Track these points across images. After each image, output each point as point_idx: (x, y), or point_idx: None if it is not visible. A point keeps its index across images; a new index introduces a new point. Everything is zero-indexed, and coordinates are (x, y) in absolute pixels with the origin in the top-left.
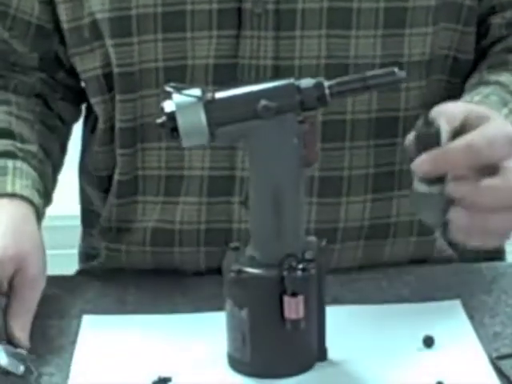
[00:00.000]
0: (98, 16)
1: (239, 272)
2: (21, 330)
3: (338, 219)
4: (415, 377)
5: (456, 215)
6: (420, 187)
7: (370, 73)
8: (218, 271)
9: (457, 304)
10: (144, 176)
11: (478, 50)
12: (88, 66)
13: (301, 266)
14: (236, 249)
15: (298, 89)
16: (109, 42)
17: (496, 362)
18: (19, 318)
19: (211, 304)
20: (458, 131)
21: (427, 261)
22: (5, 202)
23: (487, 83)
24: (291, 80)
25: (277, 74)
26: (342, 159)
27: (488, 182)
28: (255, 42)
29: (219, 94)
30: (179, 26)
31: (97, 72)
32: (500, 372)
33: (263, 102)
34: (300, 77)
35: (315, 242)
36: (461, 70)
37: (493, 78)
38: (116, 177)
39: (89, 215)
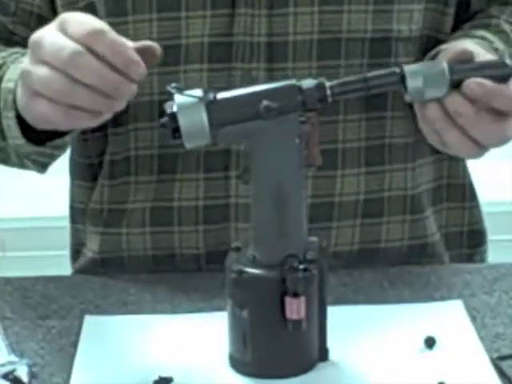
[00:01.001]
0: None
1: (240, 272)
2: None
3: (334, 193)
4: (417, 377)
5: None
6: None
7: (371, 73)
8: (217, 256)
9: (458, 304)
10: (136, 156)
11: (459, 23)
12: None
13: (302, 267)
14: (237, 249)
15: (300, 89)
16: (104, 21)
17: (497, 363)
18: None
19: (212, 304)
20: None
21: (423, 249)
22: None
23: (472, 36)
24: (293, 81)
25: (270, 50)
26: (337, 132)
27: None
28: (249, 20)
29: (221, 95)
30: (174, 5)
31: None
32: (501, 372)
33: (265, 103)
34: (293, 52)
35: (316, 243)
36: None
37: (478, 33)
38: (108, 157)
39: (76, 211)
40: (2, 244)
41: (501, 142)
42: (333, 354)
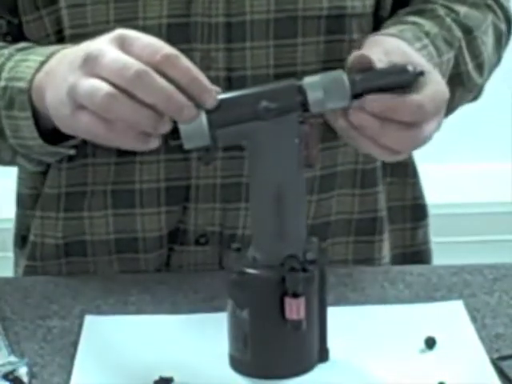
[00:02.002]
0: None
1: (241, 273)
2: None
3: None
4: (417, 378)
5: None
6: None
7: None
8: (177, 236)
9: (459, 305)
10: None
11: (396, 5)
12: (40, 33)
13: (302, 267)
14: (238, 250)
15: (299, 90)
16: (62, 3)
17: (497, 363)
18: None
19: (212, 305)
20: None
21: (372, 224)
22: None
23: (404, 23)
24: (292, 81)
25: (229, 30)
26: None
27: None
28: (206, 0)
29: (220, 96)
30: None
31: (50, 39)
32: (501, 373)
33: (264, 103)
34: (251, 31)
35: (316, 243)
36: (377, 27)
37: (411, 19)
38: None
39: (25, 196)
40: (2, 244)
41: (413, 147)
42: (333, 354)
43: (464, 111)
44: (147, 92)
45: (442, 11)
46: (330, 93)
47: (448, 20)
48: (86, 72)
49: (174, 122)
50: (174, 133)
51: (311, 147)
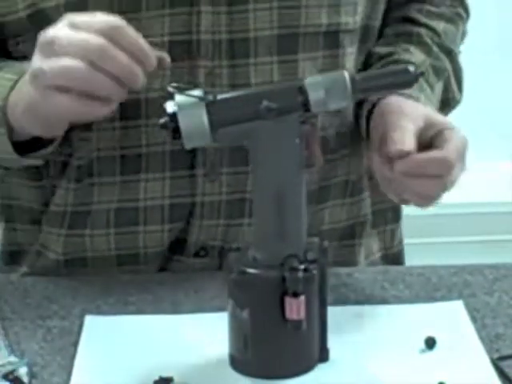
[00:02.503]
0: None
1: (241, 273)
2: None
3: None
4: (417, 378)
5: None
6: None
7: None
8: (179, 250)
9: (459, 305)
10: (99, 157)
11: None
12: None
13: (302, 267)
14: (238, 249)
15: (300, 90)
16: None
17: (497, 363)
18: None
19: (213, 304)
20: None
21: (354, 228)
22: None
23: (400, 62)
24: (294, 81)
25: (232, 47)
26: None
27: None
28: (209, 18)
29: (221, 95)
30: (133, 6)
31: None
32: (501, 373)
33: (265, 103)
34: (255, 47)
35: (317, 243)
36: (369, 36)
37: (404, 56)
38: (75, 162)
39: (12, 209)
40: None
41: (440, 194)
42: (333, 354)
43: (464, 111)
44: (112, 64)
45: (427, 37)
46: (331, 93)
47: (435, 48)
48: (47, 55)
49: (176, 121)
50: (175, 131)
51: (312, 147)
